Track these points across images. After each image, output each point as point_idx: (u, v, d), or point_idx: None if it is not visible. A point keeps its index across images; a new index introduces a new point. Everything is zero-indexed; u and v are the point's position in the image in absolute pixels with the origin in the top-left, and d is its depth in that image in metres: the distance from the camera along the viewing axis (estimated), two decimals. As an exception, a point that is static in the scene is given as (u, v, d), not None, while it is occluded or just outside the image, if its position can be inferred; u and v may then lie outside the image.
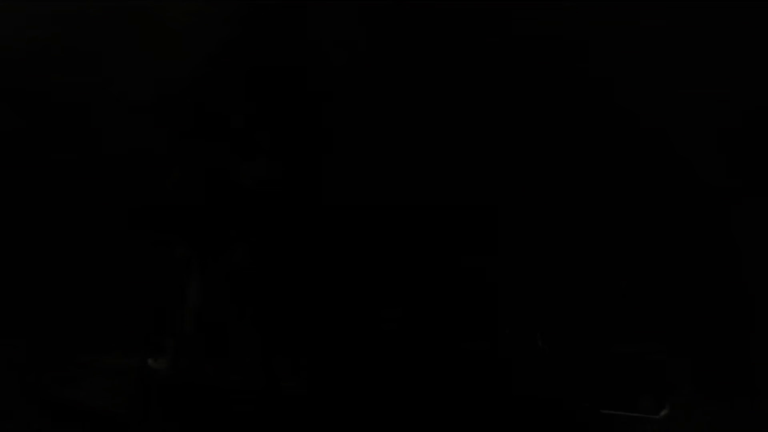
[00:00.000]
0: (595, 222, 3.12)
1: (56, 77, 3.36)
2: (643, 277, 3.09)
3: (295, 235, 3.25)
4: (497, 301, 3.14)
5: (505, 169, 3.17)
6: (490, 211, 3.17)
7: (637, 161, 3.09)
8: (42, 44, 3.37)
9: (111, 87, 3.35)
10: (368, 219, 3.20)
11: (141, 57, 3.33)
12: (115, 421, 3.16)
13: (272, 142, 3.29)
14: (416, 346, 3.14)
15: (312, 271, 3.23)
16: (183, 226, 3.29)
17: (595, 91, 3.11)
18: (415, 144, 3.20)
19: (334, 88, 3.26)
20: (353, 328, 3.18)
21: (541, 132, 3.15)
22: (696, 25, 3.03)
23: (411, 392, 3.10)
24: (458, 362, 3.11)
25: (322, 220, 3.24)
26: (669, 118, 3.07)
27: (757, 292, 3.01)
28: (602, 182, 3.12)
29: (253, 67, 3.29)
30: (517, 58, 3.15)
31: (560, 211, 3.14)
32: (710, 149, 3.05)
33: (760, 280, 3.01)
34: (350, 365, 3.16)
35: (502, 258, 3.16)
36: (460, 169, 3.18)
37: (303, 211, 3.26)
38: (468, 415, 3.05)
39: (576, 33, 3.11)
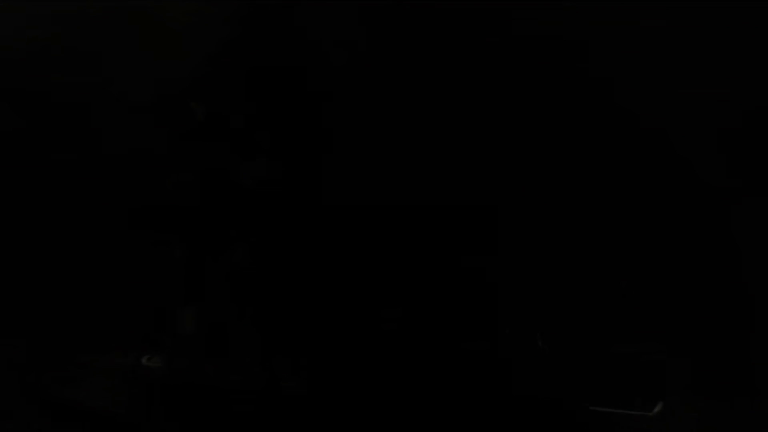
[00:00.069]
0: (595, 222, 3.12)
1: (56, 77, 3.37)
2: (643, 277, 3.09)
3: (294, 235, 3.25)
4: (497, 301, 3.14)
5: (505, 169, 3.17)
6: (490, 211, 3.17)
7: (637, 161, 3.09)
8: (42, 44, 3.37)
9: (111, 87, 3.35)
10: (368, 219, 3.21)
11: (141, 57, 3.33)
12: (115, 421, 3.16)
13: (272, 142, 3.29)
14: (416, 346, 3.14)
15: (312, 271, 3.23)
16: (183, 226, 3.29)
17: (595, 91, 3.11)
18: (415, 144, 3.20)
19: (334, 88, 3.26)
20: (353, 328, 3.18)
21: (542, 132, 3.15)
22: (696, 25, 3.03)
23: (411, 392, 3.10)
24: (458, 362, 3.11)
25: (322, 220, 3.24)
26: (669, 118, 3.07)
27: (757, 292, 3.01)
28: (602, 182, 3.12)
29: (253, 67, 3.29)
30: (517, 58, 3.15)
31: (560, 211, 3.14)
32: (710, 149, 3.05)
33: (760, 280, 3.01)
34: (350, 365, 3.16)
35: (502, 258, 3.16)
36: (460, 169, 3.19)
37: (303, 211, 3.26)
38: (468, 415, 3.06)
39: (576, 33, 3.11)
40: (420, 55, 3.20)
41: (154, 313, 3.29)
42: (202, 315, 3.26)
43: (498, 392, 3.06)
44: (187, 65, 3.31)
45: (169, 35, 3.32)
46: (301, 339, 3.21)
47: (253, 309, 3.25)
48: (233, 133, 3.29)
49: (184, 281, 3.28)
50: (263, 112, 3.30)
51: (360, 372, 3.15)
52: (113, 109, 3.34)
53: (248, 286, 3.26)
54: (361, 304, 3.19)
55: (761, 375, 2.99)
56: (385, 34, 3.22)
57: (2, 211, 3.38)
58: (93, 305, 3.30)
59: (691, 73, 3.05)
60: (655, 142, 3.08)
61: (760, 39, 3.01)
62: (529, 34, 3.13)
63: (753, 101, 3.03)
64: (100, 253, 3.33)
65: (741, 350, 3.01)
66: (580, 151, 3.13)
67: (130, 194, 3.32)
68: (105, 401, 3.19)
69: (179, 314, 3.27)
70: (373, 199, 3.21)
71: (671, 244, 3.08)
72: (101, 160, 3.34)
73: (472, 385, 3.08)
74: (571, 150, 3.14)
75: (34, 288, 3.33)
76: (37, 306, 3.32)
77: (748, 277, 3.03)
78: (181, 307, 3.27)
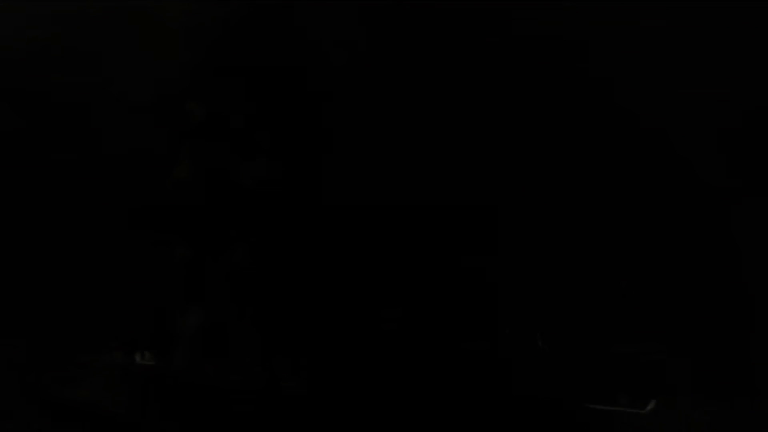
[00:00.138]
0: (595, 222, 3.12)
1: (56, 77, 3.37)
2: (643, 277, 3.09)
3: (294, 235, 3.25)
4: (497, 301, 3.14)
5: (505, 169, 3.17)
6: (490, 211, 3.17)
7: (637, 161, 3.09)
8: (42, 44, 3.37)
9: (111, 87, 3.35)
10: (368, 219, 3.20)
11: (141, 57, 3.33)
12: (114, 421, 3.16)
13: (272, 142, 3.29)
14: (416, 346, 3.14)
15: (312, 271, 3.23)
16: (183, 226, 3.29)
17: (595, 91, 3.11)
18: (415, 144, 3.20)
19: (334, 88, 3.26)
20: (353, 328, 3.18)
21: (542, 132, 3.15)
22: (696, 25, 3.03)
23: (411, 392, 3.10)
24: (458, 362, 3.11)
25: (322, 220, 3.24)
26: (669, 118, 3.07)
27: (757, 292, 3.01)
28: (602, 182, 3.12)
29: (253, 67, 3.29)
30: (517, 58, 3.15)
31: (560, 211, 3.14)
32: (710, 149, 3.05)
33: (760, 280, 3.01)
34: (350, 365, 3.16)
35: (502, 258, 3.16)
36: (460, 169, 3.18)
37: (303, 211, 3.26)
38: (468, 415, 3.05)
39: (576, 33, 3.11)
40: (420, 55, 3.20)
41: (154, 313, 3.29)
42: (202, 315, 3.26)
43: (498, 392, 3.06)
44: (187, 65, 3.31)
45: (169, 35, 3.32)
46: (301, 339, 3.21)
47: (253, 309, 3.25)
48: (233, 133, 3.29)
49: (184, 281, 3.28)
50: (263, 112, 3.29)
51: (360, 372, 3.15)
52: (113, 109, 3.34)
53: (248, 286, 3.25)
54: (361, 304, 3.19)
55: (761, 375, 2.99)
56: (385, 34, 3.22)
57: (2, 211, 3.38)
58: (93, 305, 3.30)
59: (691, 73, 3.05)
60: (655, 142, 3.08)
61: (760, 39, 3.01)
62: (529, 34, 3.14)
63: (753, 101, 3.03)
64: (101, 253, 3.33)
65: (741, 350, 3.01)
66: (580, 151, 3.13)
67: (130, 194, 3.32)
68: (105, 401, 3.19)
69: (179, 314, 3.27)
70: (373, 199, 3.21)
71: (671, 244, 3.08)
72: (101, 160, 3.34)
73: (472, 385, 3.08)
74: (571, 150, 3.14)
75: (34, 288, 3.33)
76: (37, 306, 3.32)
77: (748, 277, 3.03)
78: (181, 307, 3.27)
